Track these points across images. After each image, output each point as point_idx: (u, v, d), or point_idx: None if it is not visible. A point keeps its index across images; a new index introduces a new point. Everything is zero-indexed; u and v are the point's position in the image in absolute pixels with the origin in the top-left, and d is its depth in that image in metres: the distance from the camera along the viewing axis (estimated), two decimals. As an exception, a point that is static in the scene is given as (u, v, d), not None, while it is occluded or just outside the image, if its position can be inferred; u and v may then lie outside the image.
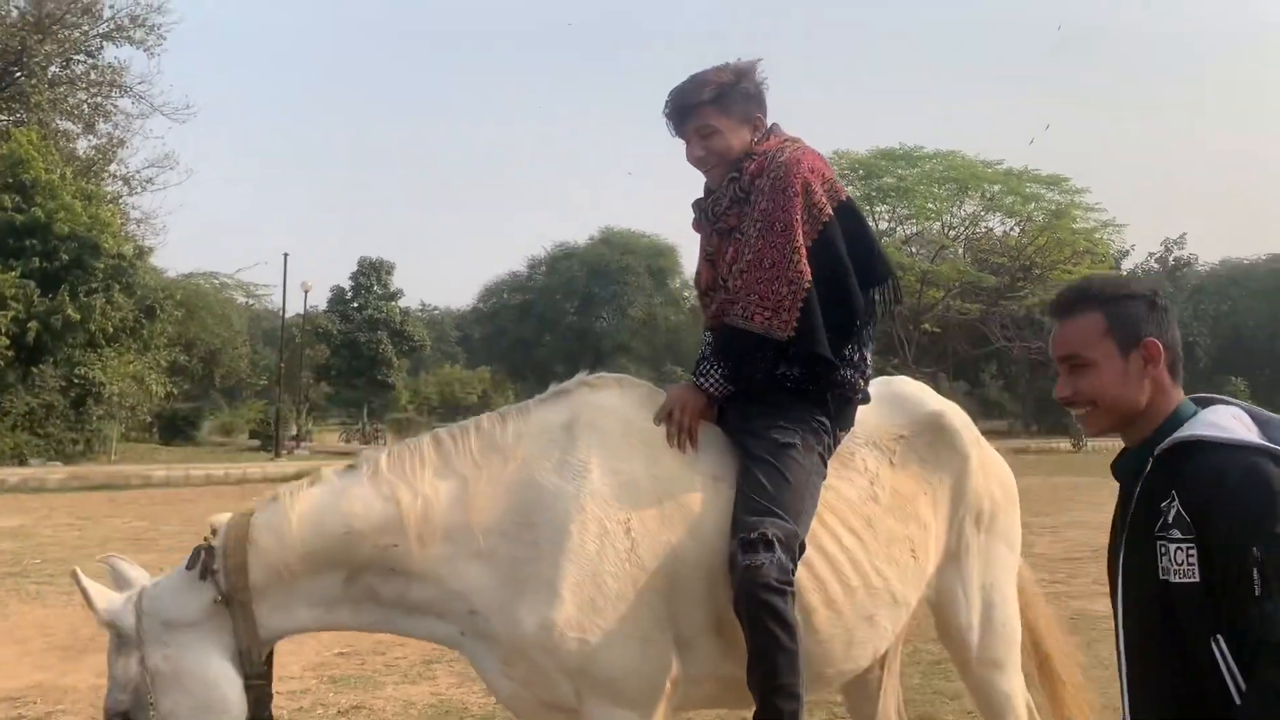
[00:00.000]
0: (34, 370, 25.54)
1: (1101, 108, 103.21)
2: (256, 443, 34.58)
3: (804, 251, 2.75)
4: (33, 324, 25.09)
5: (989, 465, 3.29)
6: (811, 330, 2.74)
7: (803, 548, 2.64)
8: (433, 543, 2.54)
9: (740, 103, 2.89)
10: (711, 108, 2.86)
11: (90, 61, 31.70)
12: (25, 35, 29.09)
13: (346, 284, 46.51)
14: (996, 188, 37.56)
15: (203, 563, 2.53)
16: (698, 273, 3.03)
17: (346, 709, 5.42)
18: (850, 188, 38.87)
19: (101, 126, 32.56)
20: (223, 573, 2.50)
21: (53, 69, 30.99)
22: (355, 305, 45.82)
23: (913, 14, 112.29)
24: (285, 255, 44.20)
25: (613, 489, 2.58)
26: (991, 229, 40.38)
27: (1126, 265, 46.87)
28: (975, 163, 37.13)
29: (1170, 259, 54.83)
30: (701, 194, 3.06)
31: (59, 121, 31.28)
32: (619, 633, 2.50)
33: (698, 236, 3.07)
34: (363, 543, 2.53)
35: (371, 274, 46.34)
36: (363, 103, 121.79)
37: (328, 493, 2.60)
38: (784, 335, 2.74)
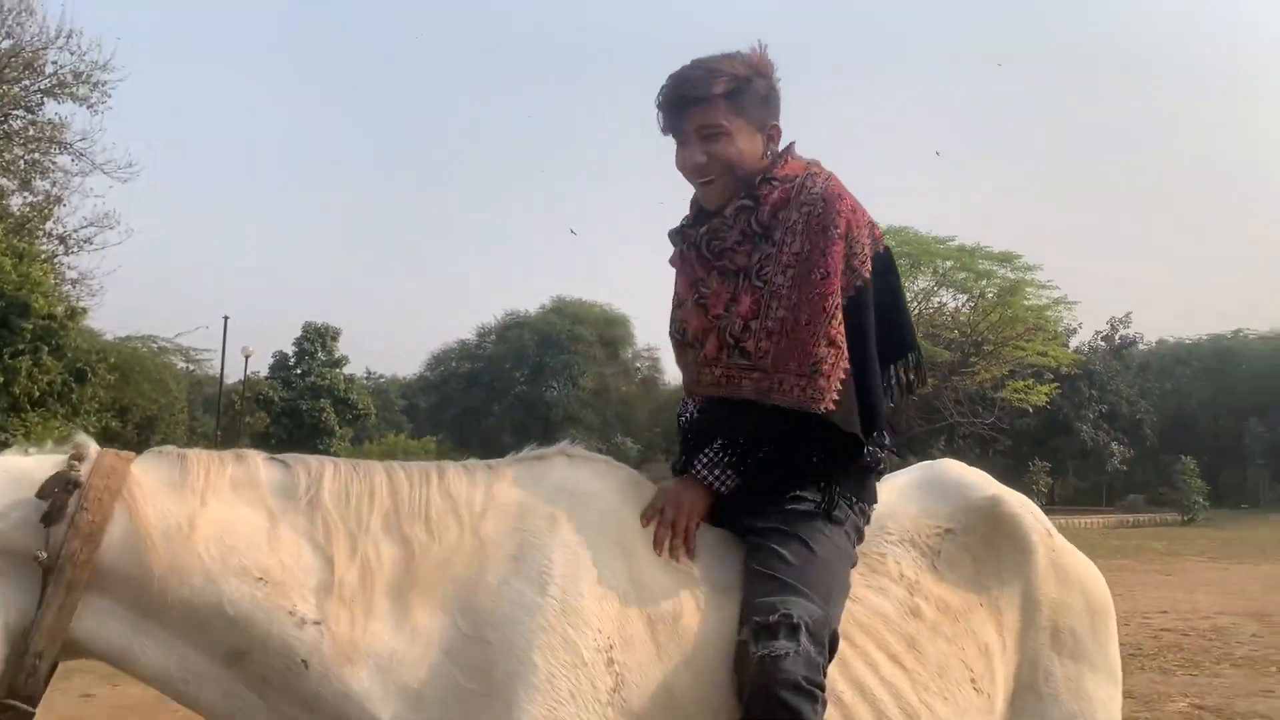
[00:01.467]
0: (-48, 435, 24.23)
1: (1050, 187, 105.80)
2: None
3: (841, 309, 2.21)
4: (-48, 387, 23.88)
5: (1067, 567, 2.61)
6: (850, 408, 2.19)
7: (834, 644, 2.07)
8: (357, 635, 1.89)
9: (756, 104, 2.33)
10: (724, 103, 2.28)
11: (29, 117, 30.76)
12: (-38, 89, 28.18)
13: (290, 349, 45.37)
14: (949, 264, 37.71)
15: (54, 501, 1.79)
16: (679, 319, 2.42)
17: None
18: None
19: (38, 183, 31.51)
20: (67, 525, 1.78)
21: (-11, 124, 30.01)
22: (298, 372, 44.58)
23: (859, 90, 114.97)
24: (225, 318, 42.41)
25: (593, 605, 1.99)
26: (944, 304, 40.49)
27: (1074, 343, 47.35)
28: (928, 238, 37.26)
29: (1116, 337, 55.53)
30: (688, 220, 2.46)
31: (-8, 177, 30.22)
32: None
33: (665, 288, 2.50)
34: (276, 603, 1.86)
35: (316, 340, 45.19)
36: (311, 165, 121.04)
37: (253, 511, 1.93)
38: (821, 408, 2.16)
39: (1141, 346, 58.53)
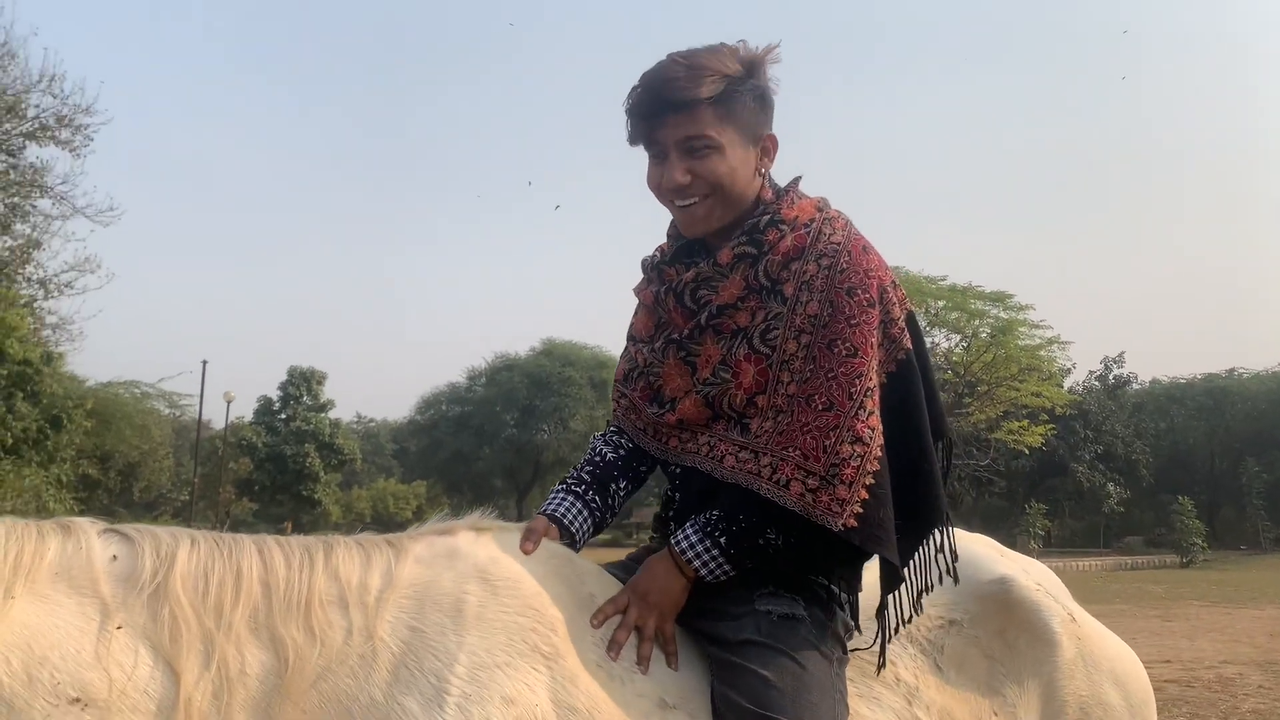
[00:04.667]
0: (-76, 484, 23.76)
1: (1042, 226, 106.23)
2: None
3: (877, 396, 1.78)
4: (-75, 434, 23.46)
5: (1097, 657, 2.21)
6: (880, 521, 1.76)
7: None
8: None
9: (750, 110, 1.88)
10: (711, 110, 1.84)
11: (10, 161, 30.50)
12: (-58, 134, 27.97)
13: (275, 394, 44.95)
14: (941, 304, 37.45)
15: None
16: (656, 375, 2.00)
17: None
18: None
19: (19, 227, 31.22)
20: None
21: (-30, 170, 29.79)
22: (283, 417, 44.17)
23: (853, 131, 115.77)
24: (204, 363, 41.76)
25: None
26: (936, 345, 40.19)
27: (1068, 383, 47.05)
28: (919, 278, 37.06)
29: (1110, 377, 55.31)
30: (665, 253, 2.04)
31: (-28, 222, 29.95)
32: None
33: (639, 315, 2.08)
34: None
35: (301, 384, 44.86)
36: (299, 209, 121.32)
37: (78, 604, 1.50)
38: (838, 523, 1.74)
39: (1135, 386, 58.36)
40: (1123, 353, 57.65)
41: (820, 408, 1.79)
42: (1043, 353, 39.04)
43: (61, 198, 30.88)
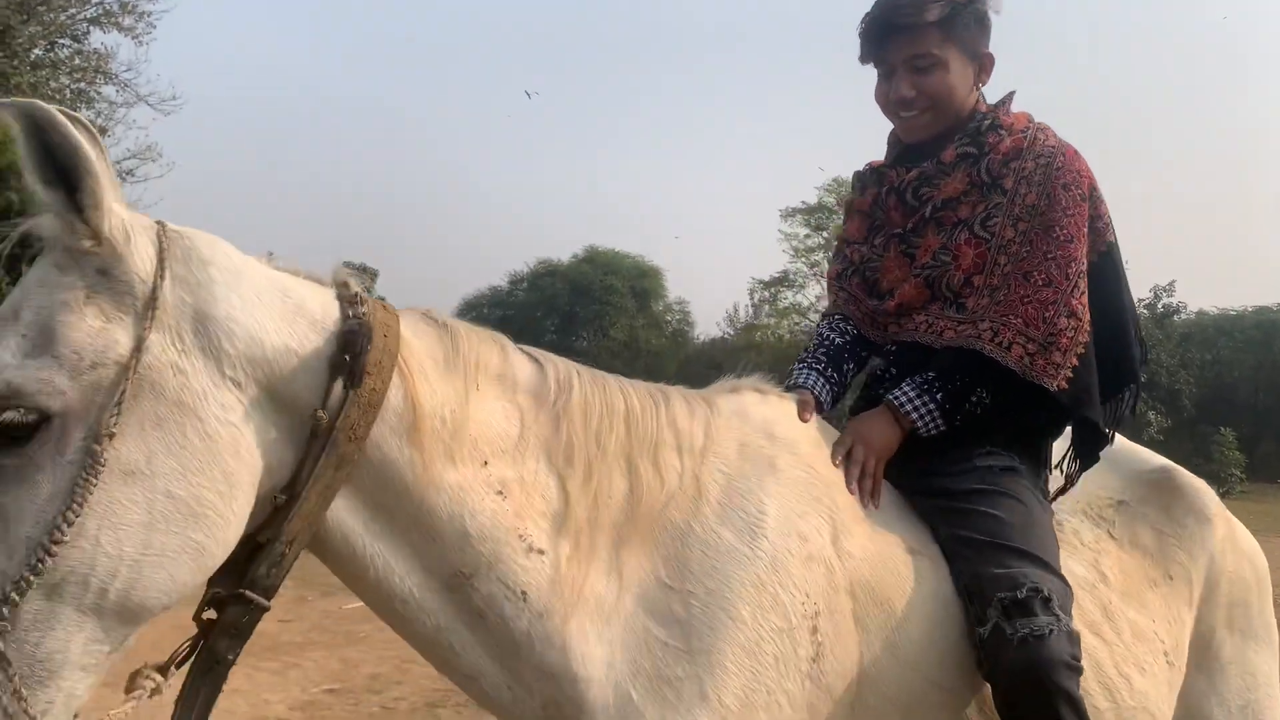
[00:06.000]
0: (-5, 361, 24.62)
1: (1098, 147, 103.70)
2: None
3: (1085, 277, 2.04)
4: (-3, 313, 24.24)
5: (1238, 537, 2.55)
6: (1086, 386, 2.02)
7: None
8: (579, 575, 1.64)
9: (972, 31, 2.14)
10: (937, 31, 2.10)
11: (75, 46, 30.80)
12: (9, 15, 28.26)
13: (327, 289, 45.53)
14: (992, 224, 37.12)
15: (357, 359, 1.45)
16: (874, 269, 2.22)
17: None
18: (825, 230, 38.91)
19: (84, 114, 31.65)
20: (346, 390, 1.46)
21: (36, 52, 30.12)
22: (335, 311, 44.80)
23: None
24: (270, 254, 42.09)
25: (800, 566, 1.78)
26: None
27: (1116, 310, 46.59)
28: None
29: (1159, 306, 54.63)
30: (885, 160, 2.29)
31: (39, 106, 30.45)
32: None
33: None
34: (510, 524, 1.60)
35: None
36: (349, 108, 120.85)
37: (506, 411, 1.64)
38: (1053, 384, 2.00)
39: (1183, 316, 57.62)
40: (1173, 281, 56.50)
41: (1039, 283, 2.04)
42: (1093, 278, 38.72)
43: (125, 85, 31.21)
